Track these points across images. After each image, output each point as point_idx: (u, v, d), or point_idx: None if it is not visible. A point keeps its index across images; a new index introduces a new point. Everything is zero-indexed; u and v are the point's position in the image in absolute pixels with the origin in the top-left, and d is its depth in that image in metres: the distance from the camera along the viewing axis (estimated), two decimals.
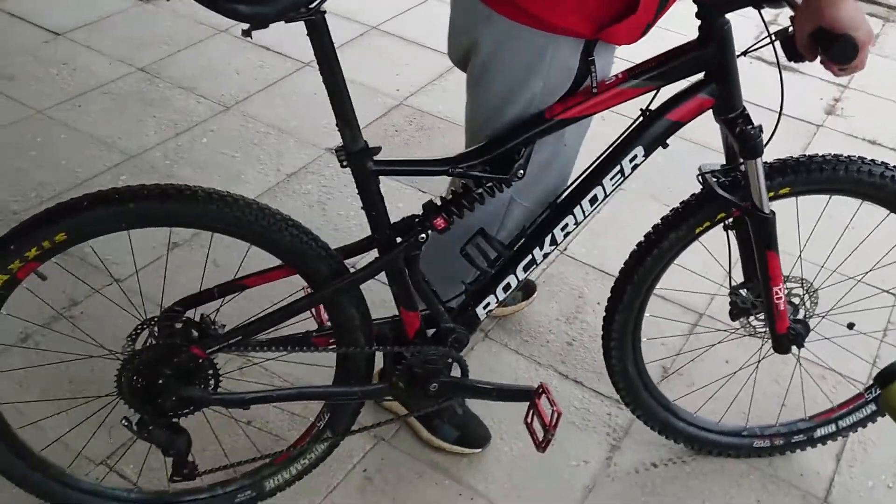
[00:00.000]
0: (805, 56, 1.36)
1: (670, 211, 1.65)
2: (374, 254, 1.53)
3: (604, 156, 1.54)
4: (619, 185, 1.55)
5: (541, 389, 1.69)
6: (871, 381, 1.95)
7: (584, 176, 1.56)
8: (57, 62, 3.18)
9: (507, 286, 1.62)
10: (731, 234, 1.68)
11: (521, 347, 2.21)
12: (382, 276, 1.53)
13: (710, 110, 1.50)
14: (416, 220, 1.50)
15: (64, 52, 3.25)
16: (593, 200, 1.55)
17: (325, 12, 1.27)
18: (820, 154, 1.60)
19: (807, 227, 1.90)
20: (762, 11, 1.42)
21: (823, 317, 1.81)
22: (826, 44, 1.31)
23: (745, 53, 1.48)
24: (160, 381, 1.51)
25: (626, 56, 1.58)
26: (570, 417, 2.04)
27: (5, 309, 1.46)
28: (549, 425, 1.66)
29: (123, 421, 1.55)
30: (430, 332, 1.65)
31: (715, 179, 1.57)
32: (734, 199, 1.55)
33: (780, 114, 1.48)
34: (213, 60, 3.28)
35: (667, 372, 2.16)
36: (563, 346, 2.22)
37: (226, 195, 1.43)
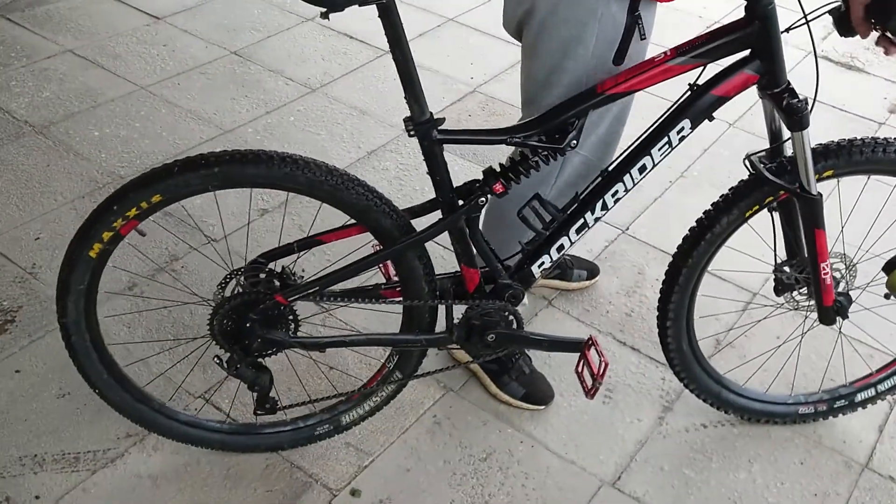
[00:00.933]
0: (859, 31, 1.41)
1: (720, 196, 1.74)
2: (438, 215, 1.65)
3: (652, 127, 1.63)
4: (667, 154, 1.64)
5: (590, 341, 1.81)
6: None
7: (633, 146, 1.65)
8: (158, 44, 3.44)
9: (561, 247, 1.72)
10: (776, 215, 1.77)
11: (583, 316, 2.36)
12: (446, 236, 1.66)
13: (755, 86, 1.58)
14: (477, 184, 1.63)
15: (164, 34, 3.51)
16: (642, 169, 1.64)
17: None
18: (859, 138, 1.69)
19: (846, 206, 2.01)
20: None
21: (864, 289, 1.92)
22: (883, 17, 1.31)
23: (788, 30, 1.54)
24: (247, 325, 1.68)
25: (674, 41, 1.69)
26: (626, 380, 2.18)
27: (111, 262, 1.65)
28: (597, 374, 1.77)
29: (215, 359, 1.73)
30: (489, 287, 1.76)
31: (763, 164, 1.64)
32: (783, 182, 1.63)
33: (815, 96, 1.57)
34: (301, 46, 3.50)
35: (720, 345, 2.29)
36: (622, 317, 2.37)
37: (298, 159, 1.56)
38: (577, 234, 1.72)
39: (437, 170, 1.59)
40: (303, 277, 1.73)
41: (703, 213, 1.77)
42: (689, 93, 1.61)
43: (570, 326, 2.32)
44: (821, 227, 1.69)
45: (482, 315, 1.77)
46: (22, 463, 1.89)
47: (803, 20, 1.52)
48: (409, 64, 1.49)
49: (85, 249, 1.59)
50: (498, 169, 1.64)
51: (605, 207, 1.69)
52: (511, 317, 1.79)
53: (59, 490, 1.85)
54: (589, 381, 1.80)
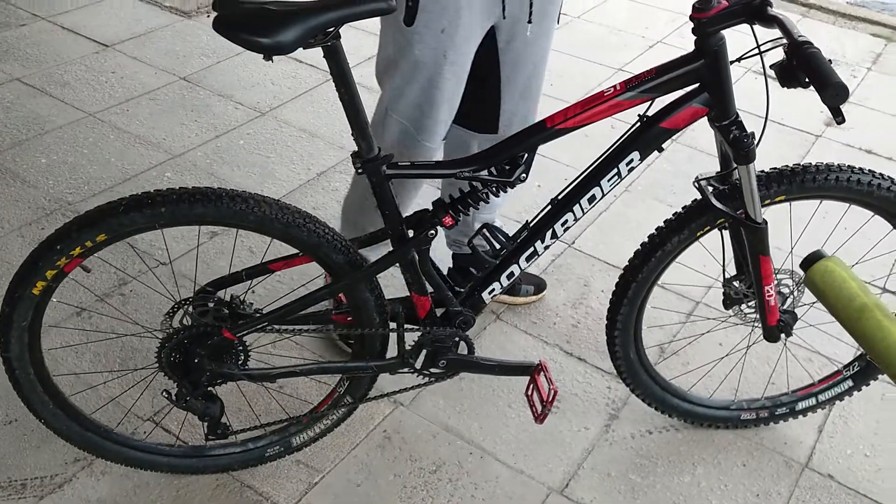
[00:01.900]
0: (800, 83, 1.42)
1: (673, 214, 1.77)
2: (388, 244, 1.67)
3: (602, 158, 1.65)
4: (616, 185, 1.66)
5: (540, 366, 1.85)
6: (850, 359, 2.12)
7: (583, 176, 1.67)
8: (107, 71, 3.44)
9: (511, 274, 1.76)
10: (726, 232, 1.82)
11: (531, 329, 2.40)
12: None
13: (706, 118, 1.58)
14: (428, 214, 1.65)
15: (113, 61, 3.51)
16: (591, 199, 1.67)
17: (340, 37, 1.41)
18: (813, 164, 1.73)
19: (797, 225, 2.07)
20: (754, 28, 1.48)
21: (812, 305, 1.97)
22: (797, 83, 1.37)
23: (738, 61, 1.56)
24: (194, 360, 1.68)
25: (626, 69, 1.74)
26: (573, 390, 2.22)
27: (55, 297, 1.64)
28: (546, 401, 1.82)
29: (164, 393, 1.73)
30: (440, 311, 1.79)
31: (711, 189, 1.66)
32: (728, 209, 1.66)
33: (766, 119, 1.58)
34: (250, 71, 3.53)
35: (664, 353, 2.34)
36: (568, 328, 2.41)
37: (248, 197, 1.56)
38: (527, 262, 1.75)
39: (387, 204, 1.60)
40: (252, 304, 1.72)
41: (655, 230, 1.80)
42: (638, 124, 1.62)
43: (518, 339, 2.36)
44: (766, 254, 1.72)
45: (433, 341, 1.79)
46: None
47: (755, 51, 1.53)
48: (356, 100, 1.49)
49: (28, 287, 1.57)
50: (448, 200, 1.65)
51: (554, 236, 1.72)
52: (462, 342, 1.82)
53: None
54: (538, 407, 1.84)
